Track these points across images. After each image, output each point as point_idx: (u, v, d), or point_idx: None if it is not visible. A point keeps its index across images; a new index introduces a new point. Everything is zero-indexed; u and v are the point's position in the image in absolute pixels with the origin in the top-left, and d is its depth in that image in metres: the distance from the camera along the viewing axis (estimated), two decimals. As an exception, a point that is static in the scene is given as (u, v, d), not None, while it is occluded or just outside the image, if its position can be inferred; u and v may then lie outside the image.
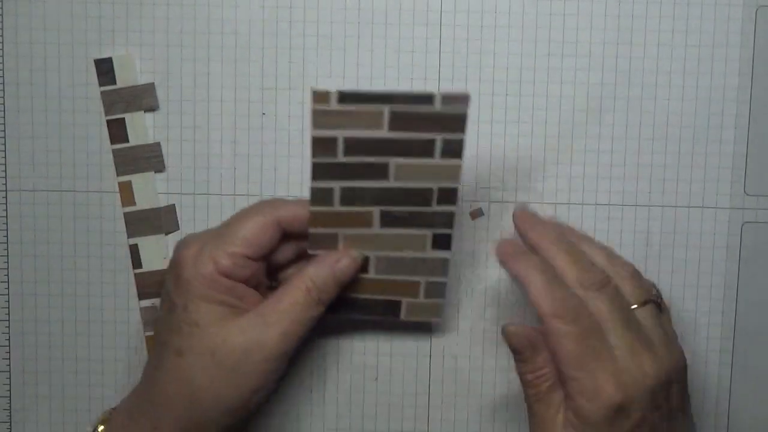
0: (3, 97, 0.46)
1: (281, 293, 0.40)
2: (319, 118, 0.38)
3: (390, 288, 0.43)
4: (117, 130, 0.46)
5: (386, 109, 0.38)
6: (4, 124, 0.46)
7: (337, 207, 0.40)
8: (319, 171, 0.39)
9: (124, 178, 0.46)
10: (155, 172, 0.46)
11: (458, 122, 0.38)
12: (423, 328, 0.46)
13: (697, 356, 0.47)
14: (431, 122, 0.38)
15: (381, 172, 0.39)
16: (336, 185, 0.40)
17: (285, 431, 0.47)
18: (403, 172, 0.40)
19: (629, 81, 0.46)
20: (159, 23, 0.46)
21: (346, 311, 0.43)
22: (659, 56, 0.45)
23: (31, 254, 0.47)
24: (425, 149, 0.39)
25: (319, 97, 0.37)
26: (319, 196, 0.40)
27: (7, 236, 0.47)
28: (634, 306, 0.40)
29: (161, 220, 0.46)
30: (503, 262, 0.40)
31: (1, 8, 0.46)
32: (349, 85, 0.46)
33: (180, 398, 0.39)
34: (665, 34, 0.45)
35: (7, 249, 0.47)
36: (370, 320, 0.44)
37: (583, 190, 0.46)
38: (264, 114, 0.46)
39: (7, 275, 0.47)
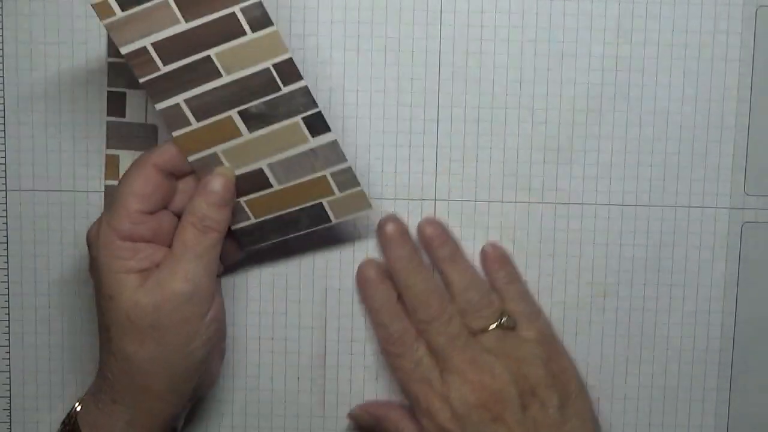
0: (3, 97, 0.46)
1: (174, 240, 0.40)
2: (116, 33, 0.37)
3: (302, 193, 0.41)
4: (116, 103, 0.46)
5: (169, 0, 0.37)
6: (4, 124, 0.46)
7: (195, 124, 0.39)
8: (153, 89, 0.38)
9: (113, 152, 0.46)
10: None
11: None
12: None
13: (697, 356, 0.47)
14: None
15: (210, 69, 0.38)
16: (179, 99, 0.39)
17: (285, 431, 0.47)
18: (229, 62, 0.38)
19: (629, 81, 0.46)
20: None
21: (276, 235, 0.42)
22: (659, 56, 0.45)
23: (31, 254, 0.47)
24: (233, 30, 0.38)
25: (101, 8, 0.36)
26: (172, 119, 0.39)
27: (7, 236, 0.47)
28: (479, 330, 0.43)
29: None
30: (358, 285, 0.45)
31: (1, 8, 0.46)
32: (350, 84, 0.46)
33: (123, 372, 0.40)
34: (665, 34, 0.45)
35: (7, 249, 0.47)
36: (308, 239, 0.44)
37: (583, 190, 0.46)
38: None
39: (7, 275, 0.47)
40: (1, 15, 0.46)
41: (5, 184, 0.47)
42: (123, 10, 0.36)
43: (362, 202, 0.43)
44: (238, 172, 0.41)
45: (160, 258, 0.40)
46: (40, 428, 0.48)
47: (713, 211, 0.46)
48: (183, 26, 0.37)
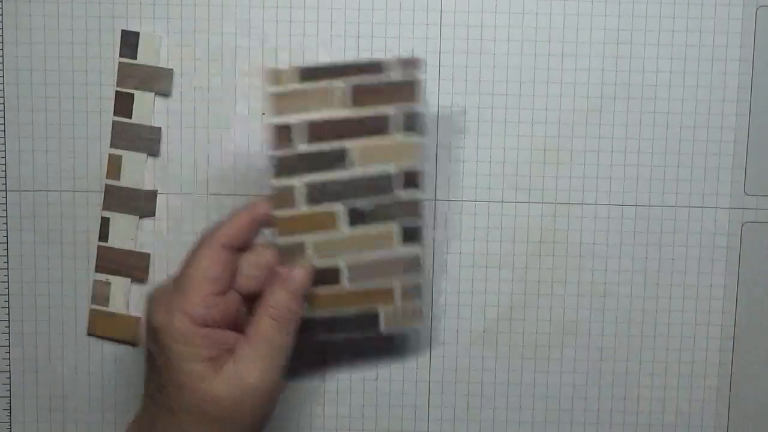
0: (3, 97, 0.46)
1: (251, 331, 0.39)
2: (275, 101, 0.37)
3: (365, 298, 0.41)
4: (123, 104, 0.46)
5: (342, 84, 0.37)
6: (4, 124, 0.46)
7: (302, 208, 0.39)
8: (280, 164, 0.38)
9: (116, 152, 0.46)
10: (148, 155, 0.46)
11: (413, 91, 0.37)
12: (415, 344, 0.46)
13: (697, 356, 0.47)
14: (387, 93, 0.37)
15: (341, 158, 0.38)
16: (298, 181, 0.38)
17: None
18: (363, 156, 0.38)
19: (629, 81, 0.46)
20: (159, 24, 0.46)
21: (324, 333, 0.41)
22: (659, 56, 0.46)
23: (31, 254, 0.47)
24: (383, 126, 0.37)
25: (275, 75, 0.36)
26: (282, 199, 0.39)
27: (7, 236, 0.47)
28: None
29: (140, 201, 0.46)
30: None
31: (1, 8, 0.46)
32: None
33: None
34: (665, 34, 0.45)
35: (7, 249, 0.47)
36: (351, 345, 0.42)
37: (583, 190, 0.46)
38: (264, 114, 0.46)
39: (7, 275, 0.47)
40: (1, 15, 0.46)
41: (5, 184, 0.47)
42: (301, 83, 0.36)
43: (417, 317, 0.41)
44: (318, 265, 0.40)
45: (229, 343, 0.39)
46: (40, 428, 0.48)
47: (713, 211, 0.46)
48: (341, 112, 0.37)
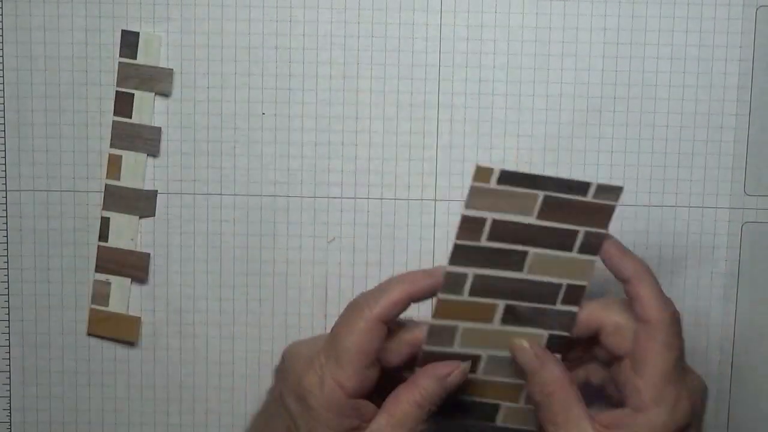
0: (3, 97, 0.46)
1: (392, 408, 0.39)
2: (474, 196, 0.37)
3: (492, 390, 0.41)
4: (123, 104, 0.46)
5: (540, 195, 0.37)
6: (4, 124, 0.46)
7: (465, 297, 0.39)
8: (458, 254, 0.38)
9: (116, 152, 0.46)
10: (148, 155, 0.46)
11: (605, 215, 0.38)
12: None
13: (697, 356, 0.47)
14: (579, 213, 0.38)
15: (517, 262, 0.38)
16: (470, 272, 0.38)
17: None
18: (538, 265, 0.38)
19: (629, 81, 0.46)
20: (159, 24, 0.46)
21: (446, 413, 0.41)
22: (659, 56, 0.45)
23: (31, 254, 0.47)
24: (566, 242, 0.38)
25: (482, 173, 0.37)
26: (451, 283, 0.39)
27: (7, 236, 0.47)
28: None
29: (140, 202, 0.46)
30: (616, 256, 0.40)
31: (1, 8, 0.46)
32: (350, 84, 0.46)
33: None
34: (665, 34, 0.45)
35: (7, 249, 0.47)
36: (464, 425, 0.43)
37: (583, 190, 0.46)
38: (264, 114, 0.46)
39: (7, 275, 0.47)
40: (1, 15, 0.46)
41: (5, 184, 0.47)
42: (498, 185, 0.37)
43: (532, 420, 0.41)
44: (461, 349, 0.40)
45: (369, 413, 0.39)
46: (40, 428, 0.48)
47: (713, 211, 0.46)
48: (530, 220, 0.38)
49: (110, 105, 0.46)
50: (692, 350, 0.47)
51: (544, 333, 0.40)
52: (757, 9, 0.45)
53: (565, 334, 0.40)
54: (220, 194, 0.46)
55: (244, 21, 0.46)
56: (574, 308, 0.39)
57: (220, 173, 0.46)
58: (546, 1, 0.45)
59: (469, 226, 0.38)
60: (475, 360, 0.40)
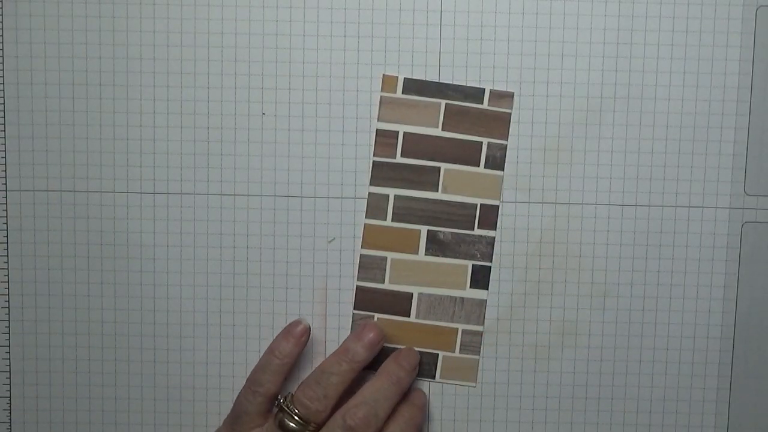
0: (3, 97, 0.46)
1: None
2: (384, 106, 0.39)
3: (427, 337, 0.42)
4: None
5: (442, 104, 0.38)
6: (4, 124, 0.46)
7: (388, 222, 0.40)
8: (377, 173, 0.40)
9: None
10: None
11: (503, 124, 0.39)
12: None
13: (697, 356, 0.47)
14: (479, 122, 0.39)
15: (431, 179, 0.40)
16: (391, 192, 0.40)
17: None
18: (450, 182, 0.40)
19: (629, 81, 0.46)
20: (159, 24, 0.46)
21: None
22: (659, 56, 0.46)
23: (31, 254, 0.47)
24: (473, 156, 0.39)
25: (388, 82, 0.38)
26: (374, 207, 0.40)
27: (7, 236, 0.47)
28: None
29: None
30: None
31: (1, 8, 0.46)
32: (349, 84, 0.46)
33: None
34: (665, 34, 0.45)
35: (7, 249, 0.47)
36: None
37: (583, 190, 0.46)
38: (264, 114, 0.46)
39: (7, 275, 0.47)
40: (1, 15, 0.46)
41: (5, 184, 0.47)
42: (403, 93, 0.39)
43: (471, 373, 0.43)
44: (391, 286, 0.42)
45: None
46: (40, 428, 0.48)
47: (713, 211, 0.46)
48: (436, 131, 0.39)
49: (110, 105, 0.46)
50: (692, 350, 0.47)
51: (468, 264, 0.41)
52: (757, 9, 0.45)
53: (488, 264, 0.41)
54: (220, 194, 0.46)
55: (244, 21, 0.46)
56: (489, 232, 0.40)
57: (220, 173, 0.46)
58: (546, 1, 0.45)
59: (383, 140, 0.39)
60: (408, 300, 0.41)
